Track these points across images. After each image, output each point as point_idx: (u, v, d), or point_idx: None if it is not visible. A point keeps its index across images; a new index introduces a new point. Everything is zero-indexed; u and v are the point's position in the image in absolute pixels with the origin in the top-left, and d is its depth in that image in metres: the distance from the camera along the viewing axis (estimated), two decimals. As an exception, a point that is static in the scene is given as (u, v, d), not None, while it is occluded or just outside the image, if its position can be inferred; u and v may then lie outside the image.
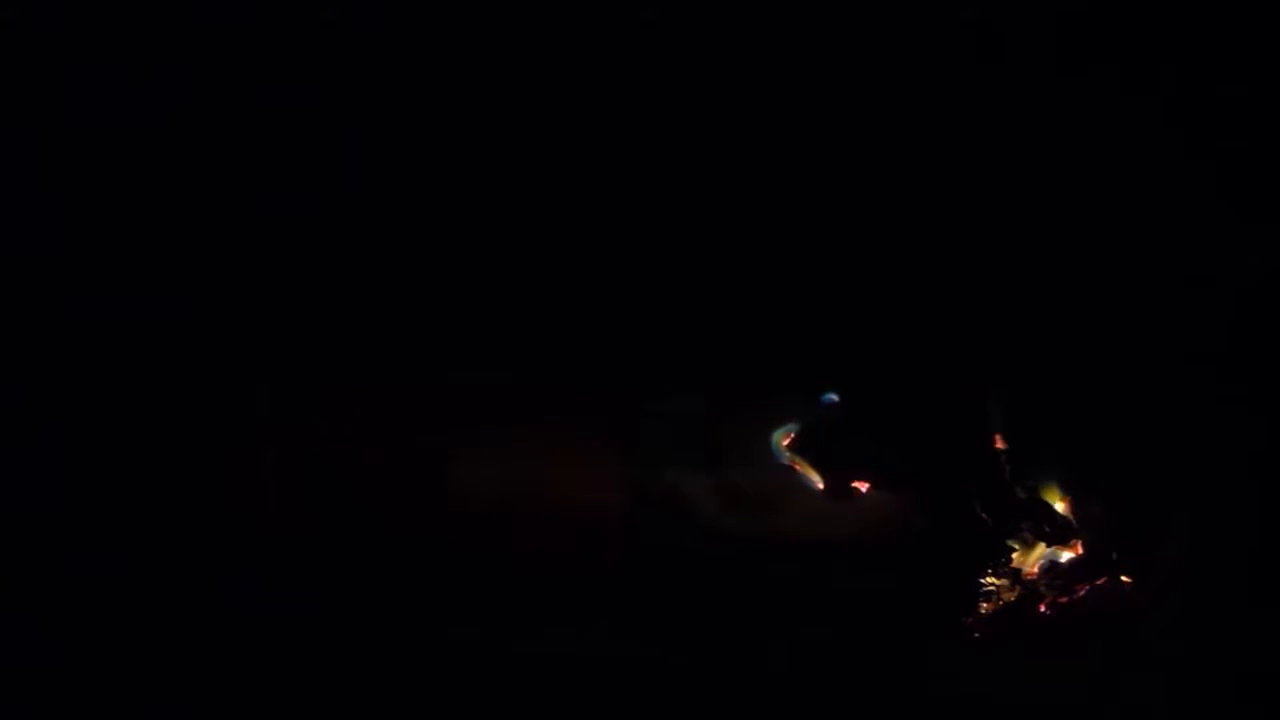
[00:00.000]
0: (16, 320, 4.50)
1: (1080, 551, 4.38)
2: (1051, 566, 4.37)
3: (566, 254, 4.64)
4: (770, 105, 4.62)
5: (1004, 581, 4.37)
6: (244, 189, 4.61)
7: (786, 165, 4.62)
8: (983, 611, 4.35)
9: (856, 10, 4.56)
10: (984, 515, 4.41)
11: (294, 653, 4.20)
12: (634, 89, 4.62)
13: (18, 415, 4.43)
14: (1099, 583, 4.36)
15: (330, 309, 4.61)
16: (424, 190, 4.66)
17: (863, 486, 4.44)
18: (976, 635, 4.34)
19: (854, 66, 4.59)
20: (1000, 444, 4.46)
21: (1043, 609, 4.36)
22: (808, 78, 4.60)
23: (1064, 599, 4.35)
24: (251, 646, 4.20)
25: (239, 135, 4.61)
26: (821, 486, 4.44)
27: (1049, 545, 4.39)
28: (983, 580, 4.36)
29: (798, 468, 4.46)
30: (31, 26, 4.52)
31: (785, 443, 4.47)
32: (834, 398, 4.49)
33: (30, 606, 4.25)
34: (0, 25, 4.52)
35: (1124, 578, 4.36)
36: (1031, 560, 4.38)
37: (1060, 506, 4.41)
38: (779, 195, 4.63)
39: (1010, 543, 4.39)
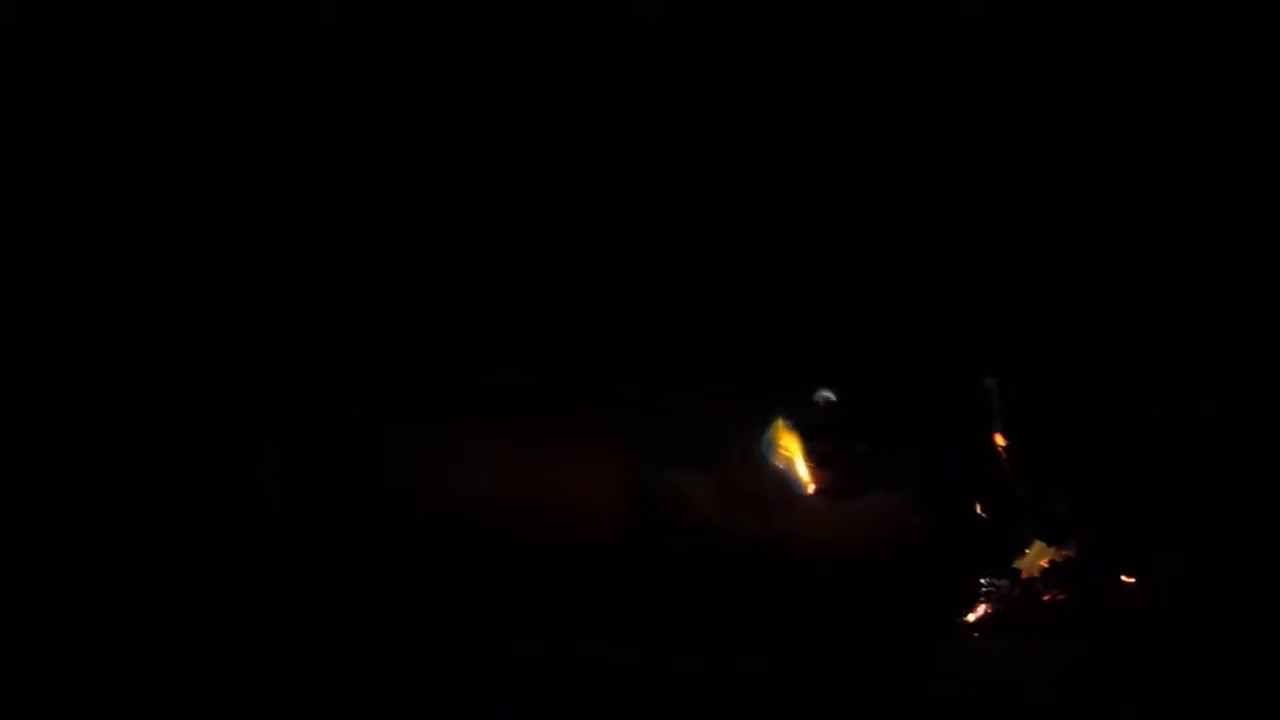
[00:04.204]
0: (16, 320, 4.50)
1: (1080, 551, 4.38)
2: (1051, 566, 4.37)
3: (566, 254, 4.64)
4: (768, 105, 4.62)
5: (1004, 581, 4.37)
6: (244, 188, 4.61)
7: (785, 165, 4.62)
8: (983, 611, 4.35)
9: (856, 9, 4.56)
10: (984, 515, 4.41)
11: (294, 653, 4.19)
12: (634, 89, 4.62)
13: (17, 415, 4.43)
14: (1099, 583, 4.36)
15: (330, 309, 4.61)
16: (424, 190, 4.66)
17: (859, 486, 4.44)
18: (976, 635, 4.34)
19: (852, 65, 4.59)
20: (1000, 442, 4.45)
21: (1043, 609, 4.35)
22: (805, 77, 4.61)
23: (1064, 599, 4.35)
24: (251, 646, 4.20)
25: (239, 134, 4.61)
26: (811, 489, 4.42)
27: (1049, 545, 4.38)
28: (983, 580, 4.36)
29: (788, 468, 4.45)
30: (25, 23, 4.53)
31: (778, 443, 4.46)
32: (830, 396, 4.48)
33: (29, 609, 4.24)
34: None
35: (1124, 578, 4.36)
36: (1031, 560, 4.38)
37: (1060, 506, 4.41)
38: (778, 195, 4.63)
39: (1010, 543, 4.38)
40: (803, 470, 4.44)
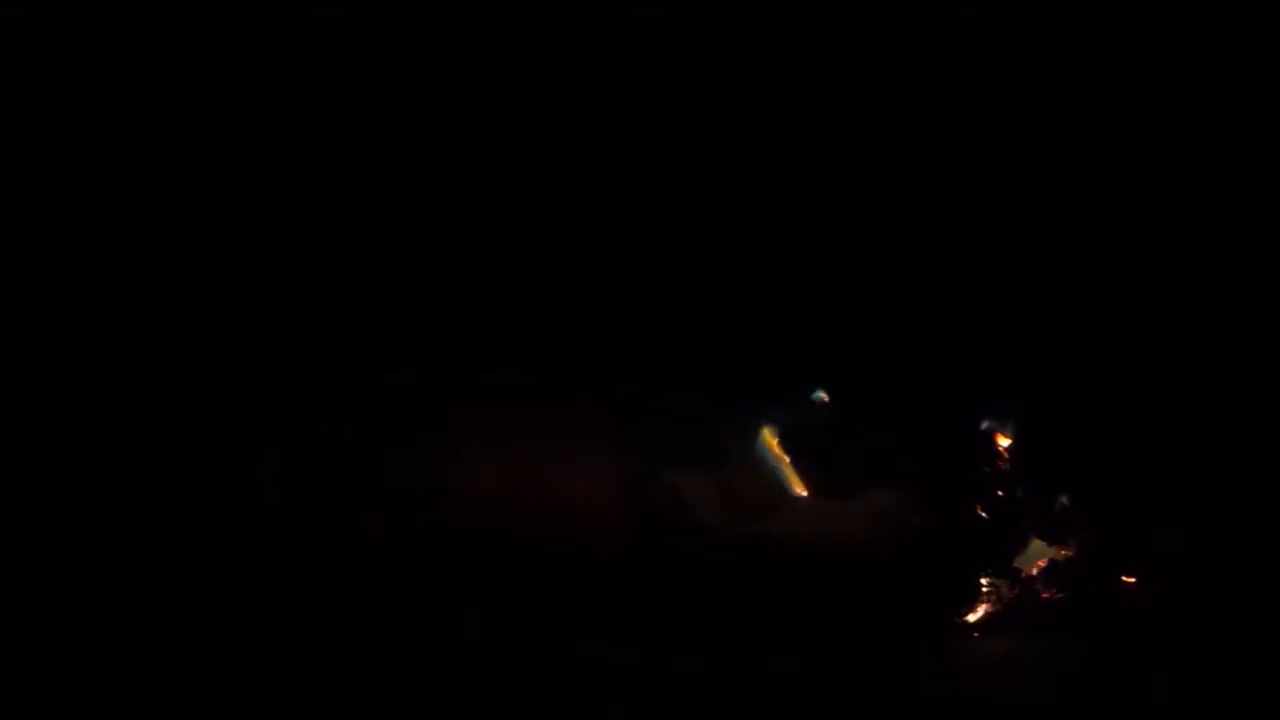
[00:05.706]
0: (17, 320, 4.51)
1: (1080, 551, 4.38)
2: (1051, 566, 4.37)
3: (566, 254, 4.64)
4: (769, 105, 4.63)
5: (1004, 581, 4.37)
6: (244, 188, 4.61)
7: (785, 165, 4.62)
8: (983, 611, 4.35)
9: (856, 10, 4.56)
10: (984, 515, 4.41)
11: (294, 653, 4.19)
12: (634, 89, 4.62)
13: (18, 416, 4.44)
14: (1099, 583, 4.36)
15: (329, 308, 4.61)
16: (425, 190, 4.66)
17: (859, 486, 4.43)
18: (976, 635, 4.35)
19: (852, 67, 4.59)
20: (1001, 442, 4.46)
21: (1043, 609, 4.36)
22: (805, 78, 4.61)
23: (1064, 599, 4.35)
24: (251, 646, 4.20)
25: (239, 134, 4.61)
26: (809, 489, 4.42)
27: (1049, 545, 4.38)
28: (983, 580, 4.36)
29: (787, 468, 4.45)
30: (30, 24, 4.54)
31: (774, 443, 4.46)
32: (824, 396, 4.48)
33: (30, 608, 4.25)
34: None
35: (1124, 577, 4.36)
36: (1031, 560, 4.38)
37: (1060, 506, 4.41)
38: (777, 195, 4.63)
39: (1010, 542, 4.39)
40: (801, 471, 4.44)
